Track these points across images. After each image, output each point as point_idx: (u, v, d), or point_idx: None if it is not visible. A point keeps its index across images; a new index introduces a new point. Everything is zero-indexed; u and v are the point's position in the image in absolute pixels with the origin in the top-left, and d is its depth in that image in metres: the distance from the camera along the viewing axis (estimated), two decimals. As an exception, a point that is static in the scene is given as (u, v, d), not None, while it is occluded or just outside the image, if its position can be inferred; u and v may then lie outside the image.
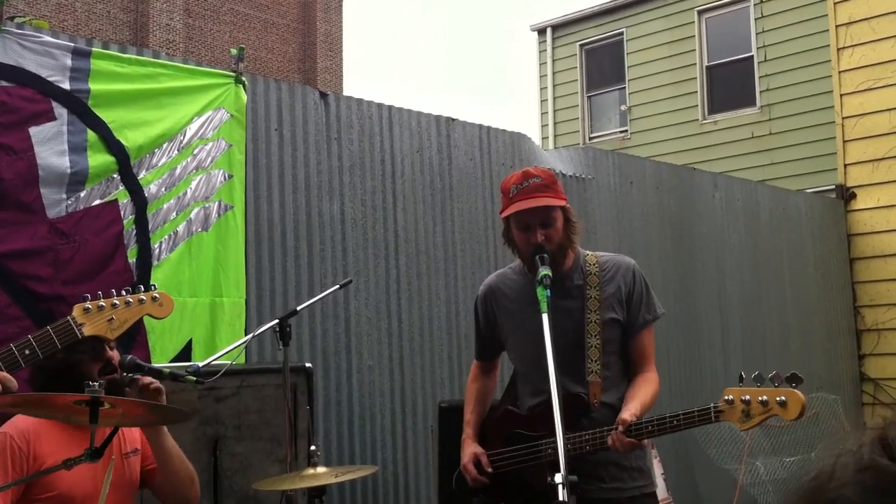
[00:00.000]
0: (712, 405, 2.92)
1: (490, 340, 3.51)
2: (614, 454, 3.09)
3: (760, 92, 13.02)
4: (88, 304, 2.42)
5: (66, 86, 4.18)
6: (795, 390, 2.74)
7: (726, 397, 2.88)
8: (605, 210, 7.16)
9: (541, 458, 3.10)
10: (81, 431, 2.89)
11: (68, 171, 4.13)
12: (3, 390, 2.07)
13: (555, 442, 2.73)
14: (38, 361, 2.61)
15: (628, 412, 3.04)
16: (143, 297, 2.53)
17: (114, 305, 2.48)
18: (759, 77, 13.05)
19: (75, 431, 2.91)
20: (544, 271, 2.99)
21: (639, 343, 3.29)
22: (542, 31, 15.76)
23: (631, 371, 3.29)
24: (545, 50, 15.65)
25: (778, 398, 2.77)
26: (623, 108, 14.75)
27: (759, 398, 2.80)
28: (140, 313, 2.56)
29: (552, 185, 3.21)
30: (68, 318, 2.37)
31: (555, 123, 15.36)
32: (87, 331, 2.41)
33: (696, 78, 13.70)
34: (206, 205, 4.62)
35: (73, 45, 4.30)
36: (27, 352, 2.22)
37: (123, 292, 2.50)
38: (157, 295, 2.59)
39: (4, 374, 2.08)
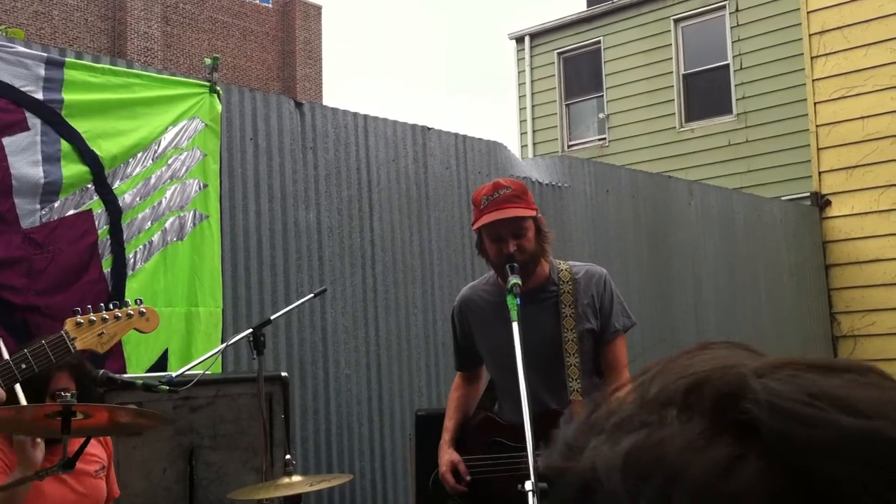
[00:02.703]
0: None
1: (468, 351, 3.52)
2: None
3: (737, 100, 13.11)
4: (80, 319, 2.44)
5: (40, 96, 4.18)
6: None
7: None
8: (581, 218, 7.20)
9: (520, 468, 3.09)
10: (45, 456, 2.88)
11: (42, 181, 4.11)
12: None
13: (539, 455, 2.77)
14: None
15: None
16: (130, 311, 2.56)
17: (104, 320, 2.50)
18: (736, 85, 13.15)
19: (12, 456, 2.88)
20: (514, 280, 3.01)
21: (610, 352, 3.30)
22: (520, 40, 15.82)
23: (604, 381, 3.30)
24: (523, 58, 15.70)
25: None
26: (601, 115, 14.82)
27: None
28: (128, 327, 2.58)
29: (523, 196, 3.22)
30: (61, 332, 2.38)
31: (534, 131, 15.41)
32: (80, 345, 2.43)
33: (673, 86, 13.79)
34: (182, 214, 4.61)
35: (46, 55, 4.29)
36: (23, 366, 2.24)
37: (111, 306, 2.51)
38: (144, 310, 2.61)
39: None
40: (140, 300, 2.62)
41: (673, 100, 13.79)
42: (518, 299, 2.96)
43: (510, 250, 3.14)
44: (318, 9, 30.61)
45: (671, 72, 13.87)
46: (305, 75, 29.15)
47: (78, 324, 2.44)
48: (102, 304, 2.50)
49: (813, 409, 0.50)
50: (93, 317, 2.48)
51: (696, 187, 8.77)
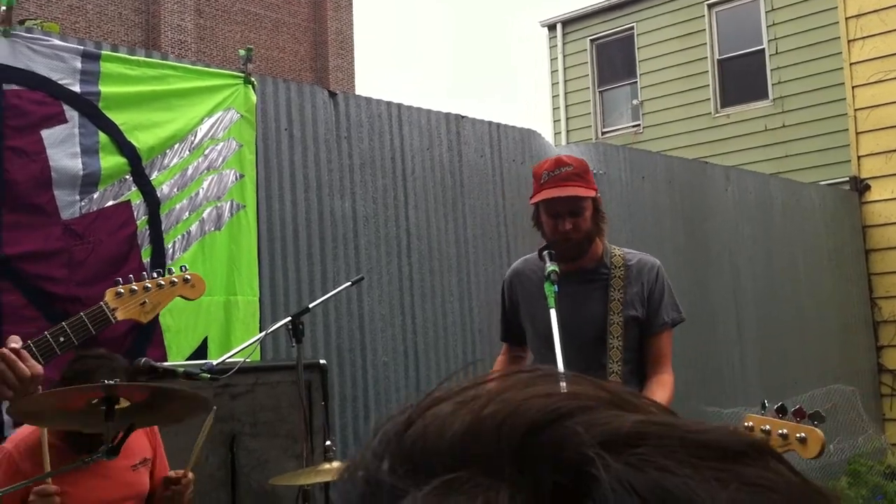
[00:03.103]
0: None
1: (514, 324, 3.51)
2: None
3: (773, 85, 12.96)
4: (121, 289, 2.38)
5: (77, 88, 4.22)
6: (816, 429, 2.69)
7: (746, 423, 2.85)
8: (616, 205, 7.15)
9: None
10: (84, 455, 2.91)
11: (81, 172, 4.16)
12: (32, 378, 2.07)
13: None
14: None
15: None
16: (174, 278, 2.50)
17: (146, 289, 2.44)
18: (771, 70, 12.99)
19: (75, 456, 2.92)
20: (551, 267, 3.00)
21: (656, 344, 3.27)
22: (552, 27, 15.73)
23: (645, 370, 3.28)
24: (555, 45, 15.62)
25: (798, 434, 2.73)
26: (635, 102, 14.71)
27: (780, 431, 2.76)
28: (172, 295, 2.52)
29: (584, 175, 3.22)
30: (101, 303, 2.34)
31: (567, 119, 15.34)
32: (120, 315, 2.38)
33: (707, 71, 13.65)
34: (219, 204, 4.65)
35: (82, 48, 4.33)
36: (62, 339, 2.22)
37: (155, 274, 2.47)
38: (189, 276, 2.55)
39: (33, 362, 2.09)
40: (185, 267, 2.57)
41: (707, 85, 13.66)
42: (555, 286, 2.94)
43: (566, 228, 3.14)
44: None
45: (705, 57, 13.73)
46: (337, 65, 29.20)
47: (118, 294, 2.40)
48: (145, 273, 2.46)
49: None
50: (134, 286, 2.43)
51: (732, 173, 8.68)
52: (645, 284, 3.25)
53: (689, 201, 7.91)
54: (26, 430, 3.11)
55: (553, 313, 2.88)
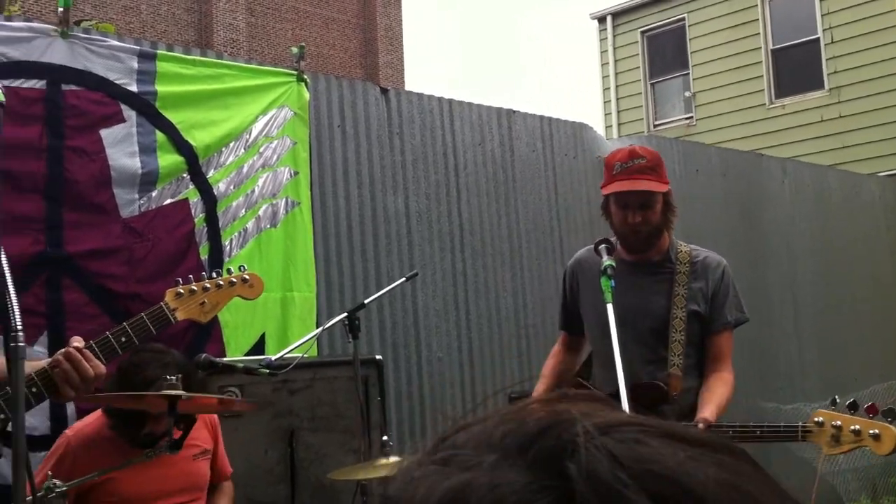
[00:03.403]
0: (800, 424, 2.85)
1: (573, 313, 3.49)
2: None
3: (828, 74, 12.73)
4: (180, 289, 2.42)
5: (134, 88, 4.27)
6: (891, 426, 2.64)
7: (816, 419, 2.80)
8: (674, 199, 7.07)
9: None
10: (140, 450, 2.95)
11: (139, 171, 4.21)
12: (95, 377, 2.11)
13: None
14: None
15: (707, 411, 2.99)
16: (233, 278, 2.53)
17: (205, 289, 2.48)
18: (827, 59, 12.77)
19: (131, 450, 2.96)
20: (608, 261, 2.98)
21: (717, 342, 3.23)
22: (602, 19, 15.62)
23: (705, 367, 3.24)
24: (606, 38, 15.51)
25: (871, 430, 2.68)
26: (687, 94, 14.55)
27: (852, 427, 2.71)
28: (231, 295, 2.55)
29: (657, 168, 3.19)
30: (161, 304, 2.38)
31: (618, 112, 15.22)
32: (181, 315, 2.42)
33: (761, 62, 13.46)
34: (274, 201, 4.68)
35: (138, 48, 4.38)
36: (123, 339, 2.26)
37: (214, 275, 2.50)
38: (248, 276, 2.58)
39: (96, 362, 2.13)
40: (243, 266, 2.60)
41: (761, 76, 13.47)
42: (612, 281, 2.92)
43: (635, 220, 3.13)
44: (399, -5, 30.72)
45: (759, 47, 13.54)
46: (387, 62, 29.30)
47: (178, 294, 2.44)
48: (204, 273, 2.49)
49: (621, 487, 0.48)
50: (193, 286, 2.47)
51: (788, 164, 8.54)
52: (709, 282, 3.22)
53: (745, 194, 7.80)
54: (88, 419, 3.17)
55: (610, 308, 2.86)
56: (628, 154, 3.20)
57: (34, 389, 2.06)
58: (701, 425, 2.93)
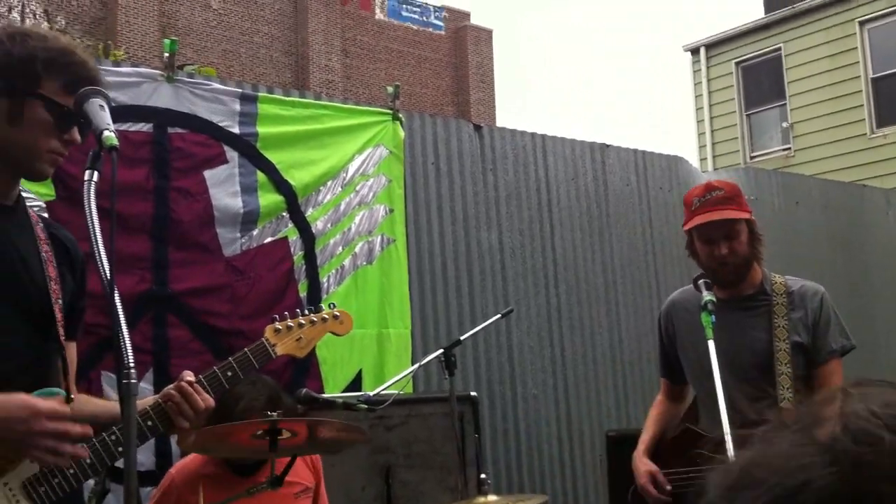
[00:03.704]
0: (264, 341, 2.72)
1: (672, 358, 3.42)
2: None
3: (933, 102, 12.34)
4: (279, 325, 2.50)
5: (236, 130, 4.40)
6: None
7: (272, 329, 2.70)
8: (770, 231, 6.85)
9: None
10: (243, 480, 3.00)
11: (241, 210, 4.33)
12: (205, 410, 2.17)
13: None
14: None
15: None
16: (325, 315, 2.61)
17: (301, 325, 2.55)
18: (931, 86, 12.38)
19: (238, 480, 3.01)
20: (708, 297, 2.92)
21: (825, 373, 3.11)
22: (695, 51, 15.47)
23: None
24: (699, 69, 15.34)
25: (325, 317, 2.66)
26: (785, 125, 14.27)
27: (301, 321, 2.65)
28: (324, 331, 2.62)
29: (735, 198, 3.14)
30: (262, 339, 2.46)
31: (713, 144, 15.00)
32: (280, 350, 2.49)
33: (861, 91, 13.12)
34: (370, 239, 4.75)
35: (240, 90, 4.52)
36: (229, 373, 2.32)
37: (307, 311, 2.58)
38: (338, 313, 2.65)
39: (206, 395, 2.19)
40: (333, 304, 2.68)
41: (862, 105, 13.13)
42: (713, 316, 2.86)
43: (722, 252, 3.06)
44: (489, 33, 31.01)
45: (858, 76, 13.22)
46: (479, 98, 29.55)
47: (276, 330, 2.51)
48: (298, 311, 2.57)
49: (873, 426, 0.59)
50: (290, 322, 2.54)
51: (893, 195, 8.27)
52: (809, 311, 3.12)
53: (847, 226, 7.58)
54: (192, 456, 3.24)
55: (711, 344, 2.80)
56: (705, 188, 3.16)
57: (149, 423, 2.13)
58: None
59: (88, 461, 2.04)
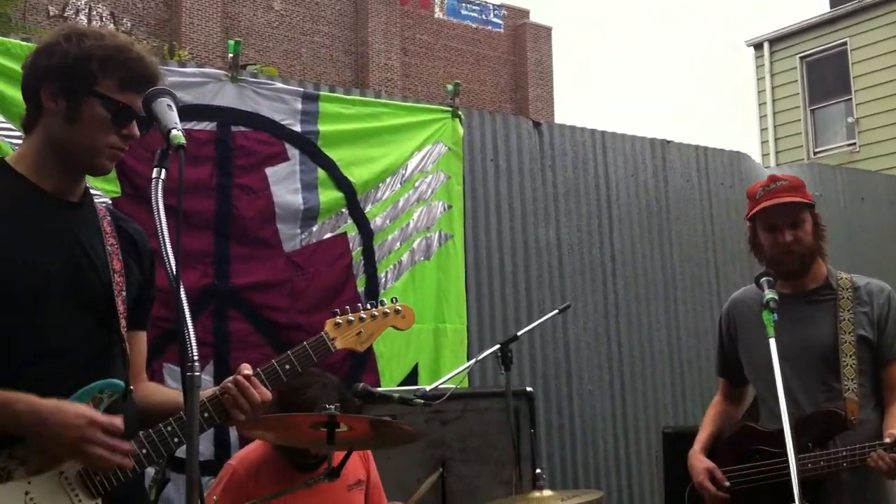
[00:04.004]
0: (324, 335, 2.66)
1: (731, 359, 3.39)
2: (855, 485, 2.93)
3: None
4: (339, 319, 2.50)
5: (298, 128, 4.47)
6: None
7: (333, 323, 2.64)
8: (834, 228, 6.74)
9: (784, 475, 2.90)
10: (301, 475, 3.05)
11: (301, 207, 4.40)
12: (262, 404, 2.21)
13: (811, 458, 2.78)
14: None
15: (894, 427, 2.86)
16: (386, 309, 2.60)
17: (361, 319, 2.55)
18: None
19: (296, 475, 3.07)
20: (770, 295, 2.89)
21: (892, 373, 3.08)
22: (758, 46, 15.24)
23: (885, 400, 3.08)
24: (763, 65, 15.11)
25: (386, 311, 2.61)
26: (850, 120, 13.99)
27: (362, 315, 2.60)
28: (385, 325, 2.62)
29: (800, 189, 3.14)
30: (322, 333, 2.47)
31: (775, 140, 14.77)
32: (339, 344, 2.49)
33: (930, 84, 12.82)
34: (428, 235, 4.79)
35: (302, 90, 4.59)
36: (287, 367, 2.34)
37: (368, 305, 2.59)
38: (400, 307, 2.64)
39: (263, 389, 2.22)
40: (395, 298, 2.68)
41: (931, 99, 12.82)
42: (774, 315, 2.84)
43: (787, 239, 3.05)
44: (549, 30, 30.90)
45: (928, 70, 12.90)
46: (537, 95, 29.46)
47: (337, 324, 2.51)
48: (360, 305, 2.58)
49: None
50: (350, 317, 2.54)
51: (962, 191, 8.07)
52: (875, 307, 3.08)
53: (916, 222, 7.42)
54: (250, 447, 3.31)
55: (773, 343, 2.77)
56: (769, 179, 3.19)
57: (206, 415, 2.17)
58: (888, 440, 2.80)
59: (144, 451, 2.09)
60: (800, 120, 14.58)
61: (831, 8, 14.99)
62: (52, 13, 21.41)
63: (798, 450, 2.72)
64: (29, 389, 1.97)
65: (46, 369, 2.03)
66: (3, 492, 1.95)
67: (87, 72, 2.06)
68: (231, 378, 2.22)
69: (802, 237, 3.09)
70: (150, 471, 2.34)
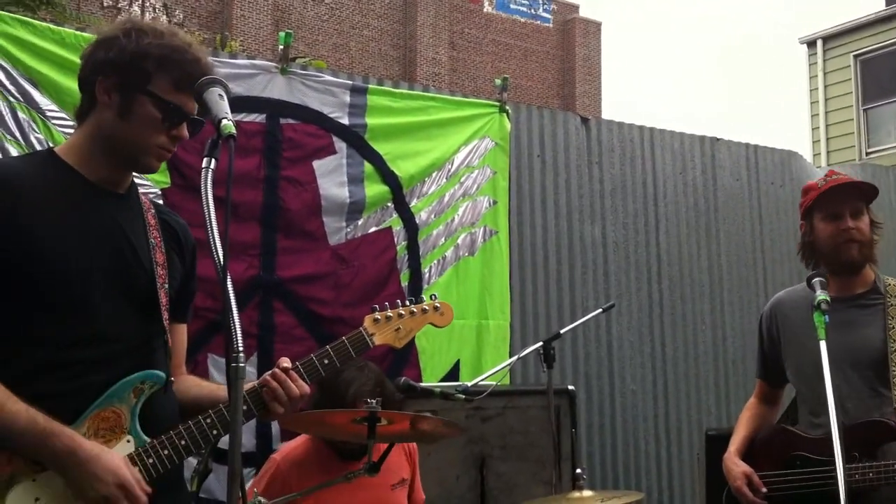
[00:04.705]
0: (362, 331, 2.61)
1: (772, 360, 3.34)
2: (889, 499, 2.87)
3: None
4: (377, 315, 2.51)
5: (345, 121, 4.48)
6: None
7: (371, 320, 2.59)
8: (888, 232, 6.66)
9: (830, 485, 2.84)
10: (345, 466, 3.06)
11: (347, 200, 4.41)
12: (300, 397, 2.22)
13: (859, 468, 2.74)
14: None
15: None
16: (425, 306, 2.60)
17: (400, 315, 2.55)
18: None
19: (339, 467, 3.08)
20: (821, 296, 2.83)
21: None
22: (811, 44, 15.00)
23: None
24: (815, 63, 14.88)
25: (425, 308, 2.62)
26: (904, 120, 13.73)
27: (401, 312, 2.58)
28: (424, 322, 2.62)
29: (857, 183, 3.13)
30: (360, 329, 2.48)
31: (827, 139, 14.54)
32: (378, 340, 2.50)
33: None
34: (473, 230, 4.78)
35: (351, 83, 4.60)
36: (326, 361, 2.35)
37: (407, 302, 2.59)
38: (439, 304, 2.64)
39: (301, 382, 2.23)
40: (434, 295, 2.67)
41: None
42: (826, 316, 2.79)
43: (849, 226, 3.01)
44: (598, 25, 30.67)
45: None
46: (585, 91, 29.28)
47: (375, 320, 2.52)
48: (399, 301, 2.58)
49: None
50: (389, 313, 2.54)
51: None
52: None
53: (970, 227, 7.26)
54: (294, 442, 3.32)
55: (823, 345, 2.72)
56: (828, 173, 3.18)
57: (244, 407, 2.18)
58: None
59: (182, 443, 2.11)
60: (852, 119, 14.34)
61: (887, 6, 14.71)
62: (105, 3, 21.70)
63: (846, 459, 2.67)
64: (85, 371, 2.01)
65: (102, 352, 2.06)
66: (14, 494, 1.98)
67: (143, 69, 2.08)
68: (270, 372, 2.23)
69: (863, 227, 3.05)
70: (192, 461, 2.36)
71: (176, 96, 2.10)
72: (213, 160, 1.86)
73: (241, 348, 1.75)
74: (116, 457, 2.00)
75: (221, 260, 1.77)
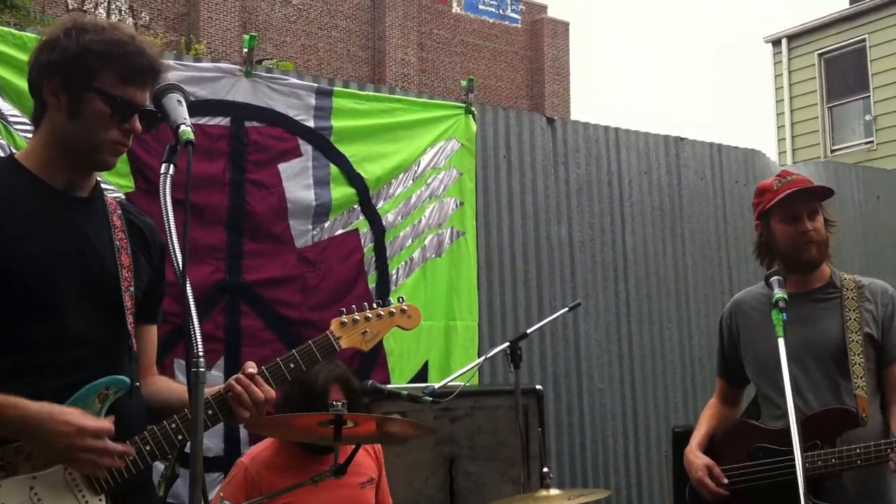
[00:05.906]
0: (329, 333, 2.66)
1: (732, 359, 3.39)
2: (856, 482, 2.92)
3: None
4: (344, 318, 2.51)
5: (311, 124, 4.48)
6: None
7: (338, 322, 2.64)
8: (849, 228, 6.77)
9: (792, 473, 2.88)
10: (313, 462, 3.07)
11: (314, 203, 4.41)
12: (265, 401, 2.22)
13: (821, 455, 2.81)
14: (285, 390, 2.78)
15: None
16: (393, 309, 2.60)
17: (367, 318, 2.55)
18: None
19: (308, 464, 3.09)
20: (779, 294, 2.88)
21: (893, 375, 3.08)
22: (776, 42, 15.15)
23: (886, 401, 3.08)
24: (780, 61, 15.03)
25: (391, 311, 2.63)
26: (868, 117, 13.90)
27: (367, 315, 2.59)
28: (391, 325, 2.63)
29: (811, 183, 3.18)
30: (327, 332, 2.48)
31: (792, 137, 14.69)
32: (345, 343, 2.50)
33: (950, 82, 12.72)
34: (440, 231, 4.79)
35: (316, 85, 4.60)
36: (292, 365, 2.36)
37: (374, 305, 2.59)
38: (406, 307, 2.64)
39: (266, 387, 2.24)
40: (402, 298, 2.68)
41: (951, 97, 12.73)
42: (784, 314, 2.83)
43: (807, 228, 3.05)
44: (566, 25, 30.79)
45: (948, 67, 12.81)
46: (553, 91, 29.39)
47: (342, 323, 2.52)
48: (366, 304, 2.58)
49: None
50: (356, 316, 2.55)
51: (981, 191, 8.00)
52: (879, 307, 3.09)
53: (932, 223, 7.37)
54: (262, 444, 3.33)
55: (781, 342, 2.76)
56: (781, 174, 3.22)
57: (210, 412, 2.18)
58: None
59: (148, 448, 2.11)
60: (817, 117, 14.50)
61: (850, 4, 14.90)
62: (71, 6, 21.50)
63: (807, 448, 2.72)
64: (59, 374, 2.02)
65: (70, 356, 2.06)
66: (9, 486, 1.97)
67: (86, 67, 2.06)
68: (235, 376, 2.23)
69: (820, 228, 3.10)
70: (161, 466, 2.35)
71: (123, 89, 2.08)
72: (172, 166, 1.86)
73: (201, 353, 1.76)
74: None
75: (181, 264, 1.77)
